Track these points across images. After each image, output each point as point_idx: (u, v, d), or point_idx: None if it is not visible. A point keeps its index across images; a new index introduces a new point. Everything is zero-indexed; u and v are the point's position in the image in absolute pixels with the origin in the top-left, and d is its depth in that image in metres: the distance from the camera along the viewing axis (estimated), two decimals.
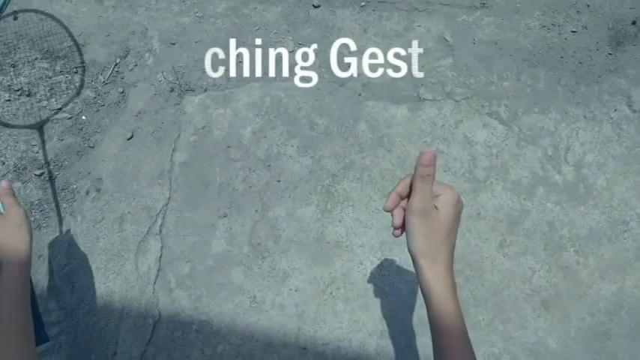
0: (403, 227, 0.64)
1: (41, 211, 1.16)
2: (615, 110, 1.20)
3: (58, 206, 1.17)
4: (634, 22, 1.28)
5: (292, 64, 1.27)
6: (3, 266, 0.76)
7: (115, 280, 1.12)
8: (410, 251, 0.62)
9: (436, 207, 0.60)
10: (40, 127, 1.21)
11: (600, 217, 1.12)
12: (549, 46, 1.27)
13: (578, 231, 1.11)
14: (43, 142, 1.20)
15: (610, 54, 1.25)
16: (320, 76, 1.26)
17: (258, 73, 1.27)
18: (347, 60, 1.27)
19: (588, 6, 1.30)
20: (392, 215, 0.64)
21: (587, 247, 1.10)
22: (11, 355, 0.69)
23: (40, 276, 1.12)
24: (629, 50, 1.25)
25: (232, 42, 1.29)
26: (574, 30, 1.28)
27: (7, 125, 1.21)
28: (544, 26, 1.28)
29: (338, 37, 1.30)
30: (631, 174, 1.14)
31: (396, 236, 0.65)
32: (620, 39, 1.26)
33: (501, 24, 1.29)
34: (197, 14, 1.32)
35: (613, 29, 1.27)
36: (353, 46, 1.28)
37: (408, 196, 0.62)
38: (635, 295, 1.06)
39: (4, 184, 0.82)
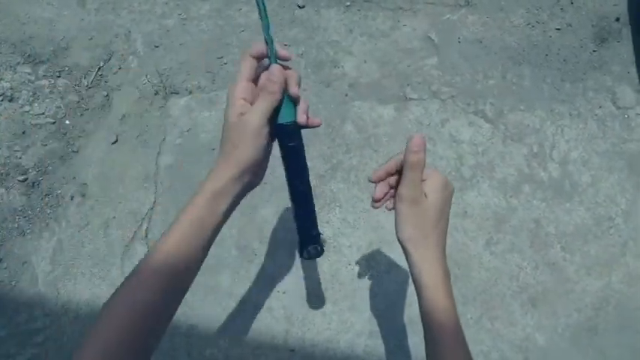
0: (382, 201, 0.64)
1: (25, 217, 1.15)
2: (600, 107, 1.20)
3: (42, 212, 1.16)
4: (617, 19, 1.28)
5: None
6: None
7: (100, 286, 1.11)
8: (399, 239, 0.61)
9: (425, 193, 0.60)
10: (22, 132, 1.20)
11: (586, 213, 1.12)
12: (534, 43, 1.27)
13: (564, 228, 1.11)
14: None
15: (594, 51, 1.26)
16: (306, 77, 1.26)
17: None
18: (333, 60, 1.27)
19: (572, 3, 1.30)
20: (375, 187, 0.64)
21: (573, 244, 1.10)
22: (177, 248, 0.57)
23: (25, 283, 1.11)
24: (613, 47, 1.26)
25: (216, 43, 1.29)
26: (558, 27, 1.28)
27: None
28: (528, 24, 1.29)
29: (323, 37, 1.29)
30: (615, 170, 1.14)
31: (374, 207, 0.65)
32: (605, 36, 1.27)
33: (486, 22, 1.29)
34: (181, 16, 1.31)
35: (597, 26, 1.28)
36: (339, 47, 1.28)
37: (397, 177, 0.62)
38: (621, 291, 1.07)
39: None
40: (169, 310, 0.58)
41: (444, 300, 0.59)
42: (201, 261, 0.60)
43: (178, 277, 0.57)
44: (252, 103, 0.59)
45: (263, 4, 0.57)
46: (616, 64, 1.24)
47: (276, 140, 0.62)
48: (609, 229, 1.11)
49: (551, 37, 1.27)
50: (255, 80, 0.61)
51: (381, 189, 0.64)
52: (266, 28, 0.57)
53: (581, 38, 1.27)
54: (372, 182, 0.65)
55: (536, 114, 1.20)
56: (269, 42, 0.58)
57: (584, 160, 1.16)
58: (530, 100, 1.21)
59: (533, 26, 1.28)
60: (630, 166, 1.15)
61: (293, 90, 0.59)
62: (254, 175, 0.61)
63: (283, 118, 0.59)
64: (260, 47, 0.59)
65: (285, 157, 0.62)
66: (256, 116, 0.57)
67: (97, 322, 0.52)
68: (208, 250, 0.60)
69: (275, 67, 0.58)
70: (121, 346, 0.51)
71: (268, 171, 1.09)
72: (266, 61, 0.60)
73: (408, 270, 0.62)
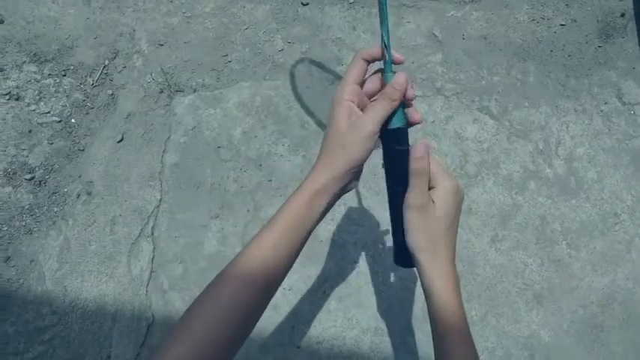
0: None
1: (32, 215, 1.16)
2: (605, 103, 1.20)
3: (48, 210, 1.16)
4: (623, 15, 1.28)
5: (282, 63, 1.27)
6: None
7: (107, 283, 1.12)
8: (409, 247, 0.61)
9: (433, 200, 0.60)
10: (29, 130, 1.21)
11: (591, 210, 1.12)
12: (539, 39, 1.27)
13: (570, 224, 1.11)
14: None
15: (599, 47, 1.25)
16: (310, 74, 1.26)
17: (248, 72, 1.26)
18: (337, 57, 1.27)
19: None
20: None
21: (578, 240, 1.10)
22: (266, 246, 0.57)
23: (32, 281, 1.11)
24: (619, 43, 1.25)
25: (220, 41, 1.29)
26: (563, 23, 1.28)
27: None
28: (533, 20, 1.28)
29: (327, 34, 1.29)
30: (621, 166, 1.14)
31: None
32: (610, 31, 1.26)
33: (490, 18, 1.29)
34: (185, 14, 1.32)
35: (602, 22, 1.27)
36: (342, 44, 1.28)
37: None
38: (626, 287, 1.07)
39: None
40: (259, 313, 0.58)
41: (455, 307, 0.59)
42: (293, 262, 0.60)
43: (273, 277, 0.57)
44: (358, 106, 0.59)
45: (385, 5, 0.57)
46: (621, 59, 1.23)
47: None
48: (615, 225, 1.11)
49: (555, 32, 1.27)
50: (362, 83, 0.61)
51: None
52: (386, 32, 0.57)
53: (586, 34, 1.26)
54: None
55: (542, 110, 1.19)
56: (387, 47, 0.58)
57: (590, 156, 1.16)
58: (535, 97, 1.21)
59: (537, 22, 1.28)
60: (636, 162, 1.14)
61: (410, 94, 0.60)
62: (354, 176, 0.61)
63: (395, 123, 0.60)
64: (374, 52, 0.60)
65: (391, 163, 0.62)
66: (374, 122, 0.57)
67: (188, 320, 0.52)
68: (300, 252, 0.61)
69: (402, 76, 0.58)
70: (206, 351, 0.51)
71: (270, 169, 1.10)
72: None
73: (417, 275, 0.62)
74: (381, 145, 0.62)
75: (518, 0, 1.30)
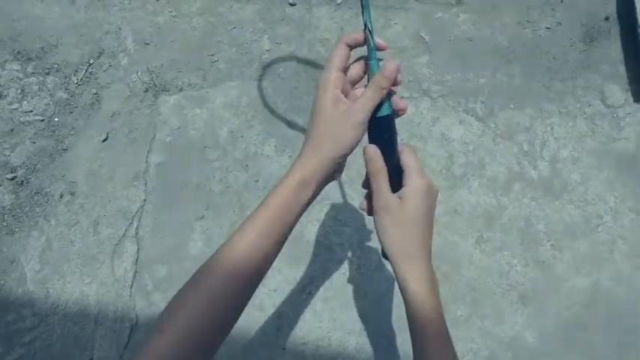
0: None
1: (14, 215, 1.14)
2: (589, 106, 1.21)
3: (31, 210, 1.15)
4: (607, 18, 1.29)
5: (269, 63, 1.27)
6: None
7: (90, 285, 1.11)
8: (384, 252, 0.62)
9: (401, 198, 0.59)
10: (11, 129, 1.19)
11: (575, 211, 1.13)
12: (524, 42, 1.28)
13: (554, 225, 1.12)
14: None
15: (584, 50, 1.26)
16: (297, 75, 1.26)
17: (235, 72, 1.26)
18: (325, 58, 1.27)
19: (562, 2, 1.31)
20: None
21: (562, 242, 1.11)
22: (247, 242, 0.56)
23: (13, 282, 1.10)
24: (602, 46, 1.27)
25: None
26: (548, 27, 1.29)
27: None
28: (519, 23, 1.29)
29: (315, 35, 1.29)
30: (604, 168, 1.15)
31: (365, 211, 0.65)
32: (594, 35, 1.28)
33: (477, 21, 1.30)
34: (171, 13, 1.31)
35: (586, 25, 1.29)
36: (330, 44, 1.28)
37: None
38: (609, 288, 1.08)
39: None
40: (243, 304, 0.57)
41: (431, 308, 0.58)
42: (277, 253, 0.59)
43: (257, 268, 0.57)
44: (342, 93, 0.58)
45: None
46: (605, 63, 1.24)
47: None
48: (598, 226, 1.12)
49: (541, 36, 1.28)
50: (345, 70, 0.60)
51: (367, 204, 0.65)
52: (368, 16, 0.56)
53: (571, 37, 1.27)
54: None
55: (526, 112, 1.20)
56: (371, 32, 0.57)
57: (574, 158, 1.17)
58: (521, 99, 1.22)
59: (523, 25, 1.29)
60: (619, 164, 1.16)
61: (398, 78, 0.59)
62: (340, 166, 0.60)
63: (383, 111, 0.59)
64: (357, 36, 0.58)
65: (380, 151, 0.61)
66: (365, 111, 0.57)
67: (171, 311, 0.51)
68: (284, 242, 0.59)
69: (393, 64, 0.57)
70: (190, 340, 0.50)
71: (257, 169, 1.10)
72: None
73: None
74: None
75: (504, 3, 1.31)
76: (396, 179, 0.61)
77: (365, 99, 0.57)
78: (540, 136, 1.18)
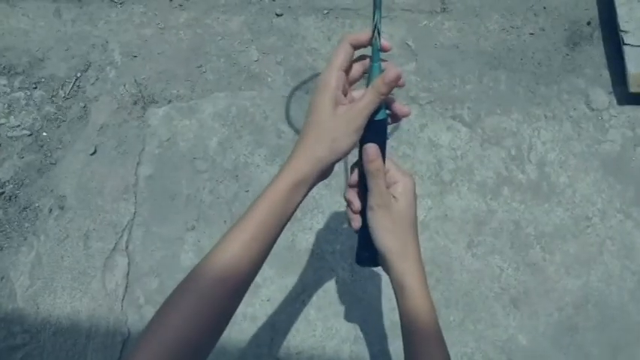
0: (361, 214, 0.64)
1: (2, 231, 1.13)
2: (574, 109, 1.23)
3: (19, 226, 1.14)
4: (589, 23, 1.31)
5: (257, 73, 1.27)
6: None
7: (81, 299, 1.10)
8: (377, 247, 0.62)
9: (395, 197, 0.60)
10: None
11: (564, 213, 1.14)
12: (509, 48, 1.29)
13: (544, 228, 1.13)
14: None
15: (567, 54, 1.28)
16: (285, 84, 1.26)
17: (223, 82, 1.26)
18: (312, 67, 1.27)
19: (545, 8, 1.33)
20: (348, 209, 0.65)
21: (552, 244, 1.12)
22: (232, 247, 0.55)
23: (3, 298, 1.08)
24: (586, 50, 1.29)
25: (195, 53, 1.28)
26: (532, 32, 1.31)
27: None
28: (503, 29, 1.31)
29: (302, 44, 1.30)
30: (591, 171, 1.17)
31: (355, 228, 0.65)
32: (577, 40, 1.30)
33: (462, 28, 1.31)
34: (159, 26, 1.31)
35: (569, 30, 1.31)
36: (317, 54, 1.29)
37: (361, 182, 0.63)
38: (599, 289, 1.09)
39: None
40: (231, 312, 0.56)
41: (425, 300, 0.59)
42: (266, 257, 0.59)
43: (245, 275, 0.56)
44: (342, 92, 0.58)
45: None
46: (588, 66, 1.26)
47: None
48: (587, 228, 1.13)
49: (525, 41, 1.30)
50: (347, 70, 0.59)
51: (356, 202, 0.64)
52: (379, 16, 0.56)
53: (555, 42, 1.29)
54: (347, 199, 0.65)
55: (513, 117, 1.22)
56: (378, 32, 0.57)
57: (561, 161, 1.18)
58: (507, 104, 1.23)
59: (507, 31, 1.31)
60: (605, 166, 1.17)
61: (401, 82, 0.58)
62: (330, 170, 0.60)
63: (379, 115, 0.59)
64: (362, 37, 0.58)
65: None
66: (364, 115, 0.57)
67: (159, 320, 0.50)
68: (273, 246, 0.59)
69: (393, 72, 0.56)
70: (179, 347, 0.50)
71: (247, 180, 1.10)
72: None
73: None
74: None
75: (488, 10, 1.33)
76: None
77: (364, 103, 0.57)
78: (527, 140, 1.20)
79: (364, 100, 0.57)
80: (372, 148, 0.59)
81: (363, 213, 0.64)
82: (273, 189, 0.56)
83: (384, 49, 0.59)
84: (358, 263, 0.68)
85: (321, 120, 0.57)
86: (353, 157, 0.63)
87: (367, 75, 0.60)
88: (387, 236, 0.60)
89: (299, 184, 0.57)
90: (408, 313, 0.59)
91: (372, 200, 0.60)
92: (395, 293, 0.61)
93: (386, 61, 0.59)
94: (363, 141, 0.61)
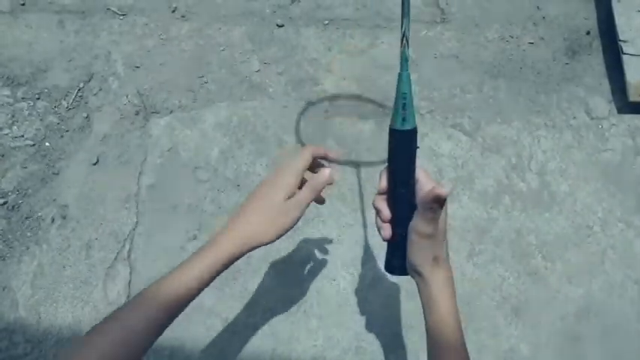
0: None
1: (4, 241, 1.13)
2: (574, 118, 1.23)
3: (22, 235, 1.14)
4: (588, 33, 1.32)
5: (258, 83, 1.28)
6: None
7: (83, 309, 1.10)
8: (410, 264, 0.63)
9: None
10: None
11: (565, 222, 1.14)
12: (509, 57, 1.30)
13: (545, 237, 1.13)
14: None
15: (567, 63, 1.29)
16: (287, 94, 1.27)
17: (225, 93, 1.27)
18: (313, 78, 1.28)
19: (544, 18, 1.34)
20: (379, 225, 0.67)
21: (553, 253, 1.12)
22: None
23: (5, 308, 1.09)
24: (585, 59, 1.30)
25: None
26: (531, 41, 1.32)
27: None
28: (503, 39, 1.32)
29: (303, 55, 1.31)
30: (592, 179, 1.17)
31: (385, 237, 0.67)
32: (576, 49, 1.31)
33: (461, 38, 1.32)
34: (161, 36, 1.32)
35: (568, 39, 1.32)
36: (318, 65, 1.30)
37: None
38: (601, 298, 1.08)
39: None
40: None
41: (452, 317, 0.60)
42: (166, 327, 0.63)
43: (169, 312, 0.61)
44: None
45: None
46: (588, 75, 1.27)
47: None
48: (588, 237, 1.13)
49: (524, 50, 1.30)
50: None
51: (385, 211, 0.66)
52: (407, 24, 0.59)
53: (554, 51, 1.30)
54: (376, 207, 0.67)
55: (513, 126, 1.22)
56: (407, 41, 0.60)
57: (562, 170, 1.18)
58: (507, 113, 1.24)
59: (507, 41, 1.31)
60: (605, 174, 1.17)
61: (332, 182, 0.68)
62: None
63: (407, 124, 0.60)
64: (322, 150, 0.70)
65: (397, 163, 0.63)
66: (303, 209, 0.65)
67: (92, 336, 0.55)
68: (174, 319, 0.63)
69: (325, 174, 0.67)
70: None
71: (248, 189, 1.09)
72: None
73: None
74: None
75: (487, 20, 1.34)
76: (407, 190, 0.63)
77: (302, 197, 0.65)
78: (528, 149, 1.20)
79: (302, 193, 0.65)
80: (446, 188, 0.61)
81: (392, 221, 0.65)
82: (199, 263, 0.62)
83: (330, 160, 0.72)
84: (388, 272, 0.69)
85: (270, 204, 0.64)
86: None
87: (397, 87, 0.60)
88: (422, 255, 0.61)
89: (228, 262, 0.63)
90: (434, 327, 0.60)
91: (421, 226, 0.60)
92: (422, 305, 0.62)
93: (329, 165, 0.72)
94: (393, 151, 0.62)
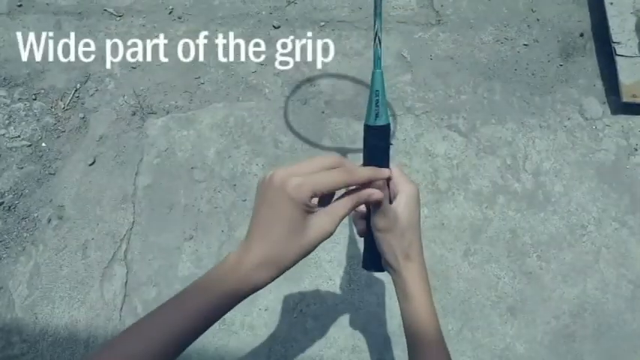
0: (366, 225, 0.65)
1: (1, 241, 1.13)
2: (568, 119, 1.24)
3: (18, 236, 1.14)
4: (582, 35, 1.33)
5: (255, 84, 1.29)
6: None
7: (79, 309, 1.10)
8: (384, 261, 0.63)
9: (397, 210, 0.60)
10: None
11: (560, 222, 1.15)
12: (503, 59, 1.31)
13: (540, 237, 1.14)
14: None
15: (561, 65, 1.30)
16: (283, 95, 1.27)
17: (221, 93, 1.28)
18: (309, 79, 1.29)
19: (538, 20, 1.35)
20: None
21: (548, 252, 1.13)
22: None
23: (1, 308, 1.09)
24: (579, 61, 1.31)
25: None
26: (526, 43, 1.33)
27: None
28: (497, 40, 1.33)
29: (299, 56, 1.32)
30: (586, 179, 1.18)
31: (360, 233, 0.66)
32: (570, 51, 1.32)
33: (456, 39, 1.33)
34: (158, 38, 1.33)
35: (562, 42, 1.33)
36: (314, 66, 1.30)
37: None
38: (596, 297, 1.09)
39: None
40: None
41: (427, 307, 0.60)
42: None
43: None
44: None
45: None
46: (582, 77, 1.28)
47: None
48: (582, 236, 1.14)
49: (519, 52, 1.31)
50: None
51: (360, 224, 0.65)
52: (379, 25, 0.58)
53: (548, 53, 1.31)
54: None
55: (508, 127, 1.23)
56: (379, 40, 0.58)
57: (556, 170, 1.19)
58: (502, 114, 1.25)
59: (502, 42, 1.33)
60: (599, 175, 1.18)
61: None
62: None
63: (380, 120, 0.60)
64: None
65: (371, 160, 0.62)
66: (336, 223, 0.53)
67: None
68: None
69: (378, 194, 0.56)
70: None
71: (245, 189, 1.10)
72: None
73: (388, 282, 0.63)
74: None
75: (482, 22, 1.35)
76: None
77: (336, 209, 0.53)
78: (522, 150, 1.21)
79: (339, 204, 0.54)
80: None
81: (367, 218, 0.64)
82: (206, 294, 0.50)
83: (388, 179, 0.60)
84: (364, 268, 0.69)
85: (291, 226, 0.50)
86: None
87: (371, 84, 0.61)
88: (391, 250, 0.61)
89: (237, 297, 0.51)
90: (410, 317, 0.60)
91: (376, 221, 0.60)
92: (398, 298, 0.62)
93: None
94: (368, 147, 0.62)
